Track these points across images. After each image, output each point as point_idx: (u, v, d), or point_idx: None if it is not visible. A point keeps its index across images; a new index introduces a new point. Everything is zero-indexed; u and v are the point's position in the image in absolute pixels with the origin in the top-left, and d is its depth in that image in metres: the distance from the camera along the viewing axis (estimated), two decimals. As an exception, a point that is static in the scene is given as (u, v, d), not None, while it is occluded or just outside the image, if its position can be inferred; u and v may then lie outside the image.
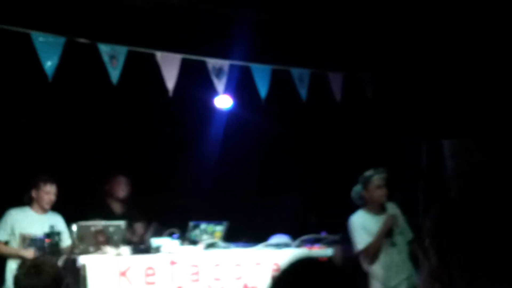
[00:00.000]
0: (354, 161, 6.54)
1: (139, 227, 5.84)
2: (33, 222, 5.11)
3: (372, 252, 4.86)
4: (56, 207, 5.23)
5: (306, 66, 6.25)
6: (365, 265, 4.94)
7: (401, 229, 4.98)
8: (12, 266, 4.86)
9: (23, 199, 5.24)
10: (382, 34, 6.00)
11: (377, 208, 5.00)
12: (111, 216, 5.48)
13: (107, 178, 6.02)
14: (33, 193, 5.20)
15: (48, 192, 5.18)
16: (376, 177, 4.95)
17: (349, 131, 6.73)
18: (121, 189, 5.90)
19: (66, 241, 5.10)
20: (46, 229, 5.04)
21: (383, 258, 4.88)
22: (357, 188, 5.06)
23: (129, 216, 5.64)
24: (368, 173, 5.00)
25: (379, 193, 4.96)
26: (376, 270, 4.89)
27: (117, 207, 5.92)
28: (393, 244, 4.88)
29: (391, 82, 6.67)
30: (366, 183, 4.98)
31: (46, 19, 5.15)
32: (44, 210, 5.21)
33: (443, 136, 5.88)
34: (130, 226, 5.37)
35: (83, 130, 6.34)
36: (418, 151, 5.68)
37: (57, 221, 5.21)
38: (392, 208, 5.04)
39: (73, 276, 4.46)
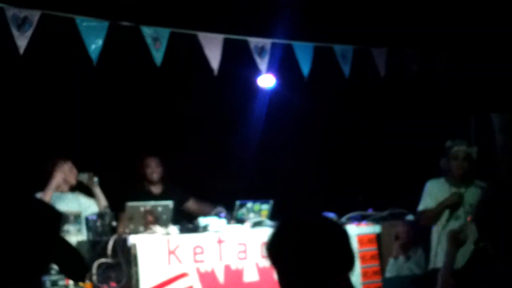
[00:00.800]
0: (400, 138, 6.46)
1: (191, 203, 5.71)
2: (62, 201, 5.12)
3: (428, 217, 4.91)
4: (103, 191, 5.27)
5: (349, 42, 6.16)
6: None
7: (472, 208, 4.89)
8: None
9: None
10: (426, 8, 5.86)
11: (458, 180, 4.84)
12: (149, 198, 5.41)
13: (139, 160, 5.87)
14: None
15: (71, 167, 5.23)
16: (454, 148, 4.80)
17: (394, 107, 6.63)
18: (151, 171, 5.66)
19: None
20: (76, 206, 5.10)
21: (444, 229, 4.78)
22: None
23: (170, 197, 5.56)
24: (447, 143, 4.85)
25: (454, 164, 4.80)
26: (437, 237, 4.88)
27: (154, 189, 5.78)
28: (457, 218, 4.81)
29: (436, 57, 6.52)
30: (446, 152, 4.86)
31: (90, 4, 5.21)
32: (66, 189, 5.23)
33: (492, 110, 5.75)
34: (179, 207, 5.31)
35: (128, 112, 6.41)
36: (467, 126, 5.57)
37: (80, 196, 5.26)
38: (477, 186, 4.79)
39: (124, 255, 4.56)
